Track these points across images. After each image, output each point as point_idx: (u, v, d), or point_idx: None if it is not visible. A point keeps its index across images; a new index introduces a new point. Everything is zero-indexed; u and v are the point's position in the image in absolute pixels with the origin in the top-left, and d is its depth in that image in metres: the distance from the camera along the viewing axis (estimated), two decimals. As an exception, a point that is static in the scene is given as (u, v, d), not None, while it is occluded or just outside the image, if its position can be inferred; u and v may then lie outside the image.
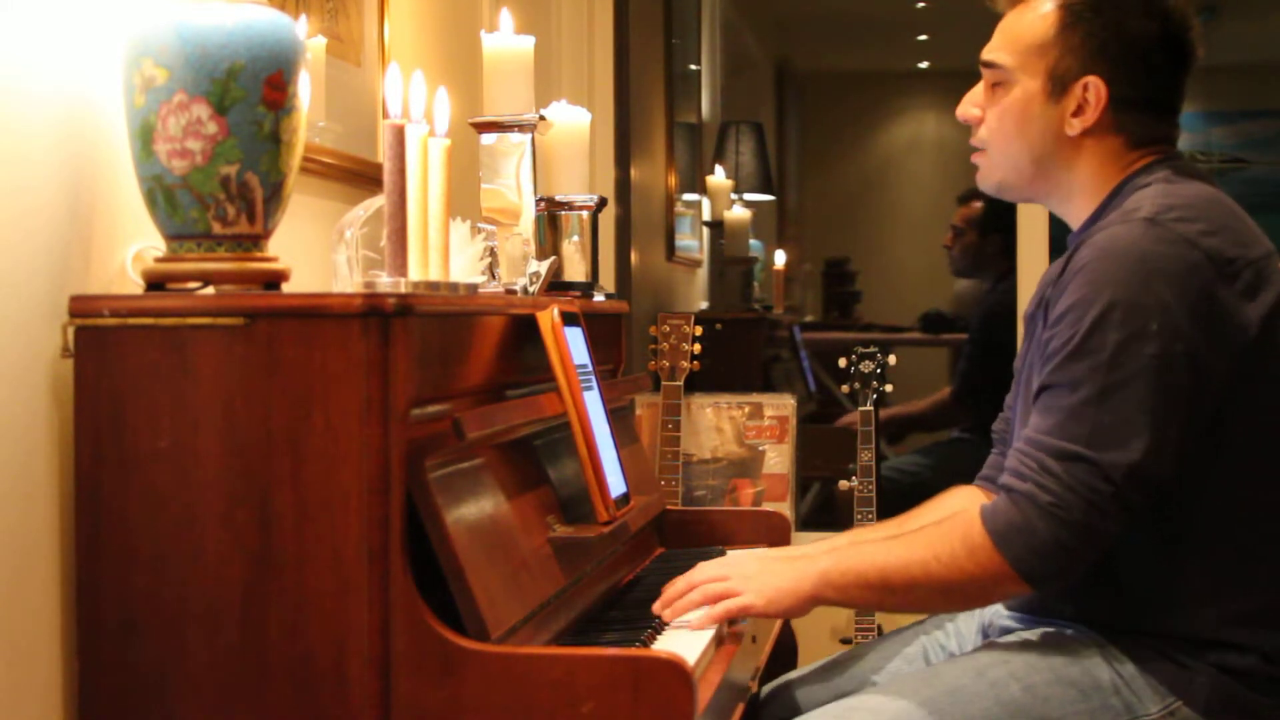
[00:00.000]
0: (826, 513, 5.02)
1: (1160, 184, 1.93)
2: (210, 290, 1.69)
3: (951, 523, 1.88)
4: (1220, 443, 1.86)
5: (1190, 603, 1.87)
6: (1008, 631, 2.03)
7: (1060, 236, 2.14)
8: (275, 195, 1.71)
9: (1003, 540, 1.82)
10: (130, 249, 1.80)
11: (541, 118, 2.30)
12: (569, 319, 2.04)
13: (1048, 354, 1.87)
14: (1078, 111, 1.97)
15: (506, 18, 2.30)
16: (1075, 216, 2.03)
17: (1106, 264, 1.84)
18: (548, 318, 1.97)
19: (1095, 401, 1.80)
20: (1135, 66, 1.97)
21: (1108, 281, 1.82)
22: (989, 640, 2.07)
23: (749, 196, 6.31)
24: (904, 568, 1.87)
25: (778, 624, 2.48)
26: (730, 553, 2.16)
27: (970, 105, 2.08)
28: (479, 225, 2.25)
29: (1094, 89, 1.96)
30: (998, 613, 2.10)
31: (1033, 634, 1.96)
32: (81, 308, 1.65)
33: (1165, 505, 1.85)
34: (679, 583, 1.99)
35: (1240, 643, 1.85)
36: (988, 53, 2.04)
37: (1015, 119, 2.00)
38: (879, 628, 3.47)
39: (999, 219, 4.47)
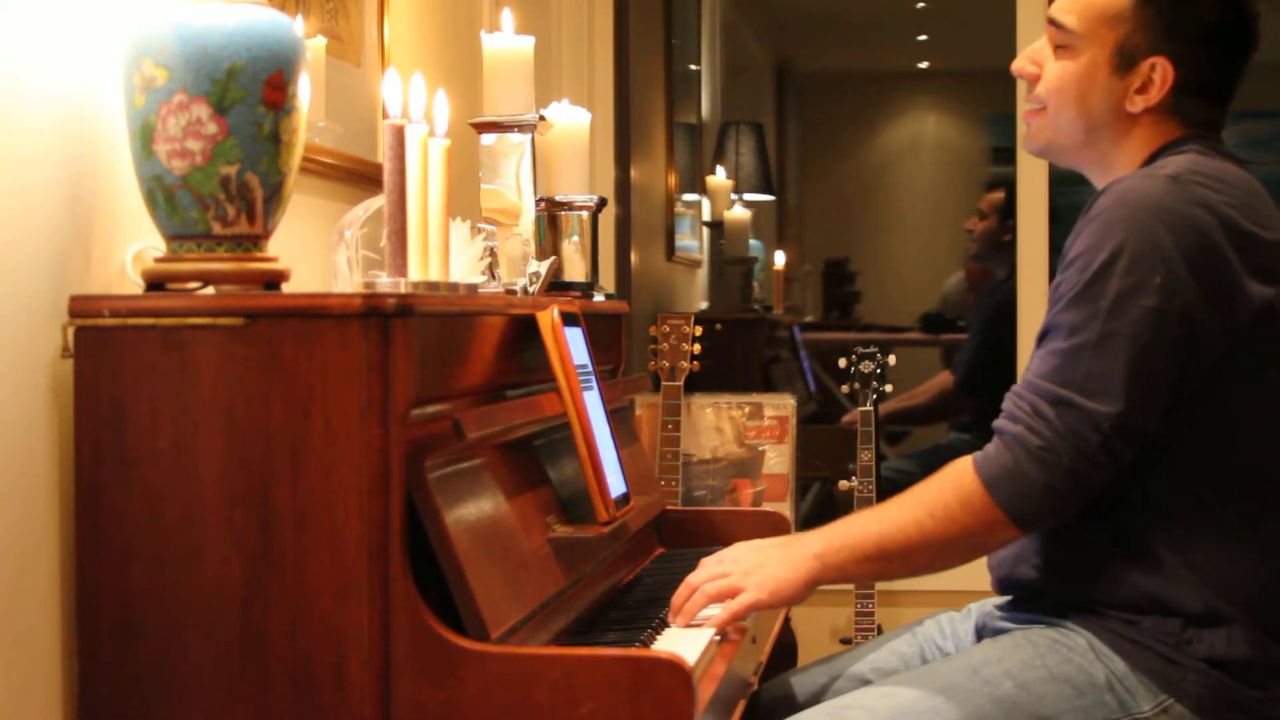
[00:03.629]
0: (826, 513, 5.01)
1: (1193, 154, 1.94)
2: (210, 290, 1.69)
3: (941, 476, 1.90)
4: (1212, 424, 1.87)
5: (1180, 576, 1.87)
6: (1002, 632, 2.03)
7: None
8: (275, 195, 1.71)
9: (994, 484, 1.84)
10: (130, 249, 1.80)
11: (541, 118, 2.30)
12: (569, 319, 2.04)
13: (1055, 297, 1.88)
14: (1142, 89, 1.97)
15: (507, 17, 2.30)
16: (1105, 182, 2.03)
17: (1121, 212, 1.85)
18: (548, 318, 1.97)
19: (1091, 348, 1.82)
20: (1202, 52, 1.97)
21: (1119, 230, 1.84)
22: (984, 640, 2.07)
23: (749, 196, 6.31)
24: (898, 532, 1.89)
25: (777, 623, 2.48)
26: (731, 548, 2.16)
27: (1028, 61, 2.06)
28: (479, 225, 2.25)
29: (1161, 69, 1.96)
30: (992, 614, 2.10)
31: (1027, 633, 1.97)
32: (81, 308, 1.65)
33: (1157, 478, 1.86)
34: (680, 590, 2.00)
35: (1229, 619, 1.85)
36: (1058, 13, 2.02)
37: (1077, 85, 1.99)
38: (879, 627, 3.47)
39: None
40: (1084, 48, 1.99)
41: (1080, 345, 1.83)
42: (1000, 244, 4.72)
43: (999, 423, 1.88)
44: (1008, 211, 4.65)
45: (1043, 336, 1.90)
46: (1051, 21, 2.03)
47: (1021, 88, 2.09)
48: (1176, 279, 1.82)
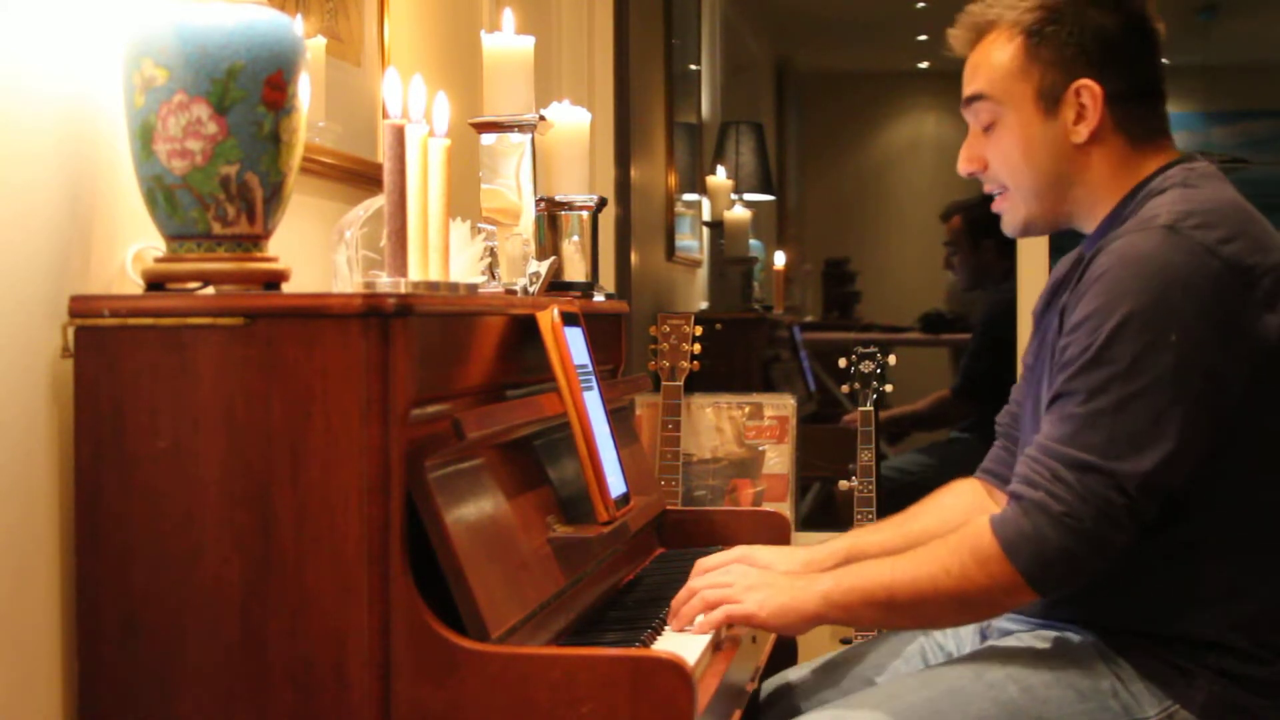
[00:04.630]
0: (826, 513, 5.02)
1: (1177, 189, 1.91)
2: (210, 290, 1.69)
3: (960, 535, 1.88)
4: (1235, 452, 1.85)
5: (1194, 606, 1.86)
6: (1006, 634, 2.03)
7: (1060, 234, 2.13)
8: (275, 195, 1.71)
9: (1013, 549, 1.81)
10: (130, 249, 1.80)
11: (541, 118, 2.30)
12: (569, 319, 2.04)
13: (1063, 361, 1.86)
14: (1079, 118, 1.96)
15: (508, 17, 2.30)
16: (1091, 224, 2.02)
17: (1125, 273, 1.83)
18: (548, 318, 1.97)
19: (1111, 411, 1.80)
20: (1114, 59, 1.96)
21: (1126, 291, 1.81)
22: (987, 642, 2.07)
23: (749, 196, 6.31)
24: (910, 583, 1.86)
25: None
26: (742, 550, 2.15)
27: (968, 159, 2.05)
28: (479, 225, 2.25)
29: (1087, 90, 1.95)
30: (996, 614, 2.10)
31: (1031, 636, 1.96)
32: (81, 308, 1.65)
33: (1173, 511, 1.85)
34: (681, 592, 2.00)
35: (1241, 647, 1.85)
36: (969, 89, 2.02)
37: (1020, 148, 1.98)
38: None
39: (986, 227, 4.48)
40: (1008, 110, 1.98)
41: (1100, 409, 1.80)
42: (982, 267, 4.73)
43: (1016, 487, 1.85)
44: (975, 232, 4.66)
45: (1053, 400, 1.87)
46: (968, 101, 2.02)
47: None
48: (1192, 333, 1.79)
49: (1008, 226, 2.07)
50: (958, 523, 2.03)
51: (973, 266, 4.75)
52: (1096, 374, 1.81)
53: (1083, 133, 1.96)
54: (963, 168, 2.07)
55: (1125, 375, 1.80)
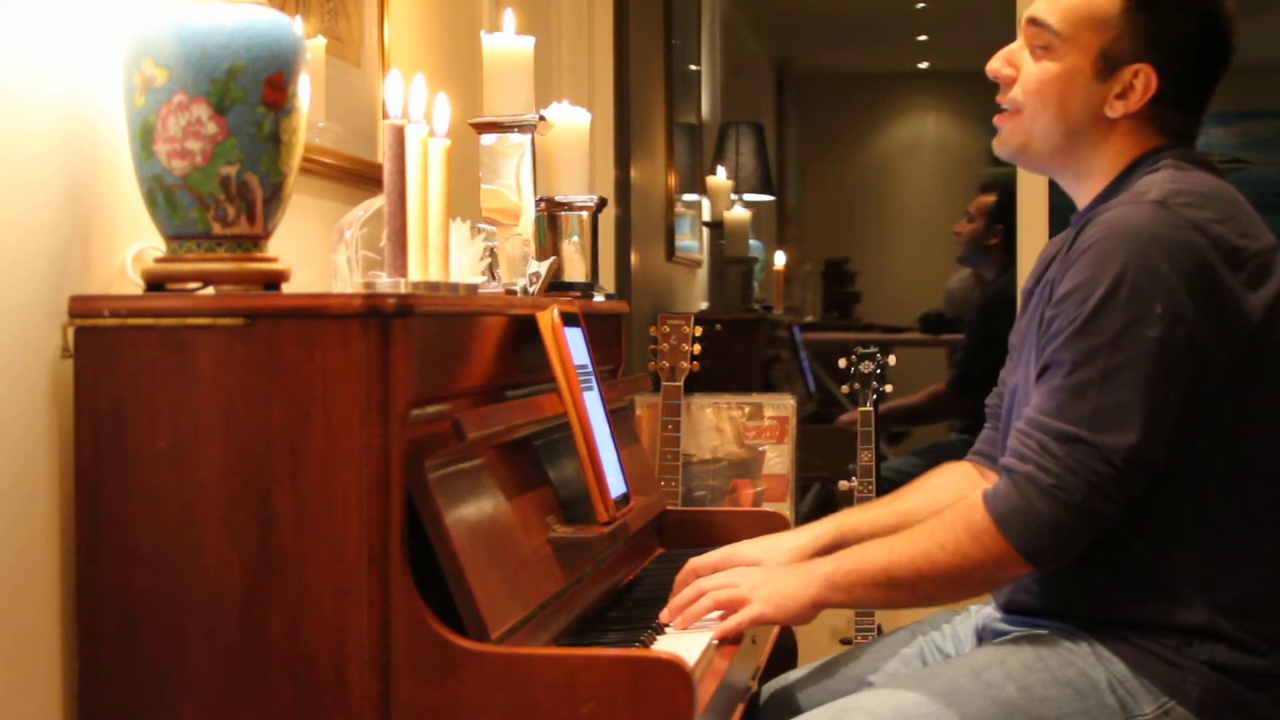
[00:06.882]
0: (826, 513, 5.01)
1: (1169, 170, 1.93)
2: (210, 290, 1.69)
3: (953, 511, 1.89)
4: (1217, 431, 1.87)
5: (1182, 591, 1.87)
6: (1003, 634, 2.03)
7: (1060, 229, 2.14)
8: (275, 195, 1.71)
9: (1005, 522, 1.83)
10: (130, 249, 1.80)
11: (541, 118, 2.30)
12: (569, 319, 2.03)
13: (1052, 333, 1.87)
14: (1122, 95, 1.96)
15: (508, 17, 2.30)
16: (1084, 195, 2.03)
17: (1114, 244, 1.84)
18: (548, 318, 1.97)
19: (1097, 382, 1.81)
20: (1184, 63, 1.97)
21: (1114, 261, 1.83)
22: (984, 643, 2.07)
23: (749, 197, 6.32)
24: (908, 561, 1.88)
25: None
26: (730, 549, 2.15)
27: (1004, 63, 2.03)
28: (479, 225, 2.25)
29: (1145, 77, 1.95)
30: (992, 616, 2.10)
31: (1028, 636, 1.96)
32: (81, 308, 1.65)
33: (1159, 493, 1.86)
34: (686, 591, 2.00)
35: (1229, 634, 1.86)
36: (1040, 13, 1.99)
37: (1058, 86, 1.97)
38: (878, 628, 3.47)
39: (1006, 213, 4.48)
40: (1066, 50, 1.97)
41: (1086, 380, 1.81)
42: (984, 247, 4.73)
43: (1007, 461, 1.87)
44: (995, 216, 4.67)
45: (1042, 372, 1.88)
46: (1033, 21, 2.00)
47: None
48: (1178, 306, 1.81)
49: (1002, 146, 2.06)
50: (948, 502, 2.04)
51: (975, 242, 4.76)
52: (1082, 344, 1.83)
53: (1118, 109, 1.97)
54: (993, 67, 2.04)
55: (1110, 346, 1.81)
